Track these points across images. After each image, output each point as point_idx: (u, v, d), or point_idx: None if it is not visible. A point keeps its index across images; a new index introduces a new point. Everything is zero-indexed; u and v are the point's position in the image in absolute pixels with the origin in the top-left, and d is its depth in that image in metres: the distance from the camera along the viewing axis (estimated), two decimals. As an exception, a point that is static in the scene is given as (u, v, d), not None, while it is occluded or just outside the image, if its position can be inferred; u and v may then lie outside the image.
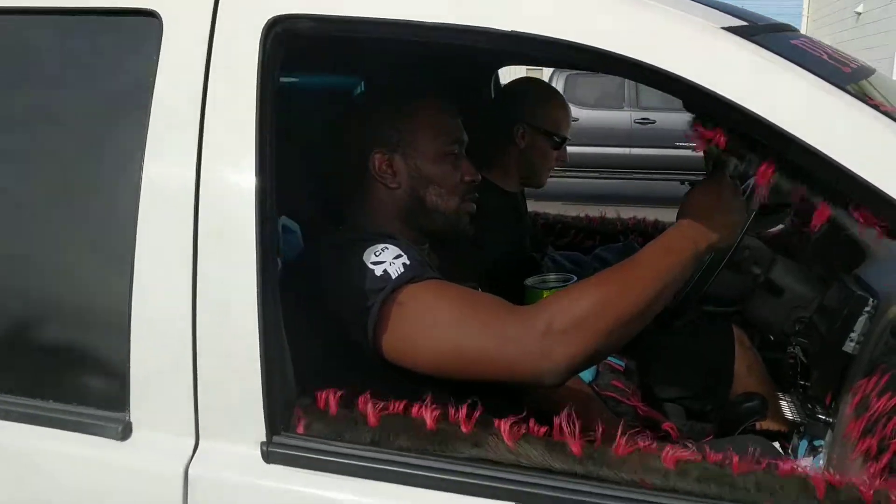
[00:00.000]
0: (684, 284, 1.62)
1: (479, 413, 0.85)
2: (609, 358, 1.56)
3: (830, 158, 0.79)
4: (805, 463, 1.36)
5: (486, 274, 1.55)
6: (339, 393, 0.87)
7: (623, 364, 1.58)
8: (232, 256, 0.86)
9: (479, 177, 1.18)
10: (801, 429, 1.42)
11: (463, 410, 0.84)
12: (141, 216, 0.88)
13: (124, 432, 0.88)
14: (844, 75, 0.91)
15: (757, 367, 1.71)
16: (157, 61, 0.90)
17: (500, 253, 1.62)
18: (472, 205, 1.17)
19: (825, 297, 1.44)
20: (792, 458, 1.44)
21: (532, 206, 2.13)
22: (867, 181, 0.78)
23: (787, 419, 1.50)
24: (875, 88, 0.96)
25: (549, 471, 0.79)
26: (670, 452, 0.78)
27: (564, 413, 1.26)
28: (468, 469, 0.80)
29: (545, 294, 1.35)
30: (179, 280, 0.87)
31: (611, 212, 2.28)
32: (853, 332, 1.26)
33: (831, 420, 1.29)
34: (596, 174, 8.21)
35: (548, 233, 2.21)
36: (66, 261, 0.96)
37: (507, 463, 0.80)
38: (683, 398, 1.72)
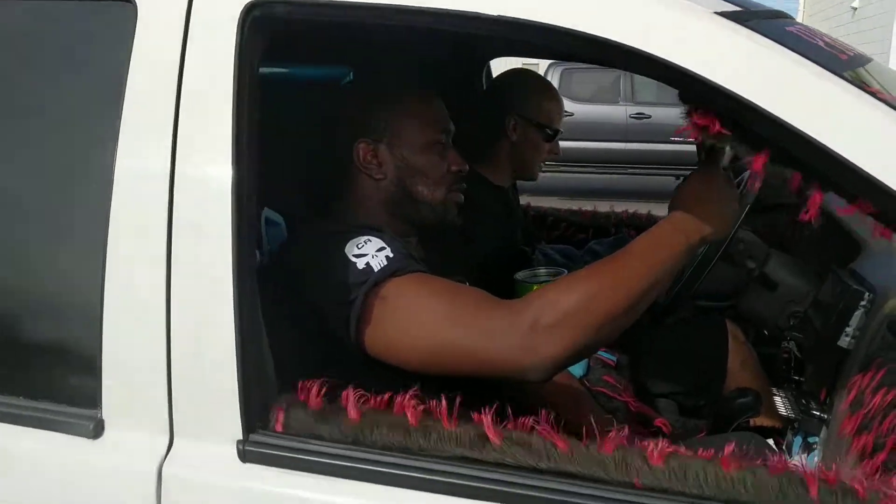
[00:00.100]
0: (677, 278, 1.60)
1: (464, 410, 0.82)
2: (600, 353, 1.54)
3: (827, 147, 0.76)
4: (799, 460, 1.35)
5: (477, 268, 1.52)
6: (319, 390, 0.84)
7: (615, 359, 1.56)
8: (207, 250, 0.83)
9: (467, 167, 1.15)
10: (796, 425, 1.40)
11: (447, 407, 0.81)
12: (114, 208, 0.85)
13: (96, 430, 0.85)
14: (841, 62, 0.89)
15: (751, 363, 1.70)
16: (131, 48, 0.87)
17: (490, 247, 1.60)
18: (459, 195, 1.15)
19: (820, 292, 1.42)
20: (786, 454, 1.43)
21: (526, 200, 2.11)
22: (866, 171, 0.75)
23: (781, 415, 1.48)
24: (872, 76, 0.93)
25: (535, 470, 0.77)
26: (660, 451, 0.75)
27: (553, 410, 1.25)
28: (452, 469, 0.77)
29: (535, 288, 1.32)
30: (153, 274, 0.84)
31: (604, 206, 2.26)
32: (849, 326, 1.24)
33: (826, 416, 1.27)
34: (591, 169, 8.19)
35: (540, 226, 2.18)
36: (36, 254, 0.93)
37: (493, 462, 0.77)
38: (676, 393, 1.70)
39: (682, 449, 1.00)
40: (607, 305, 0.88)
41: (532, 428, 0.80)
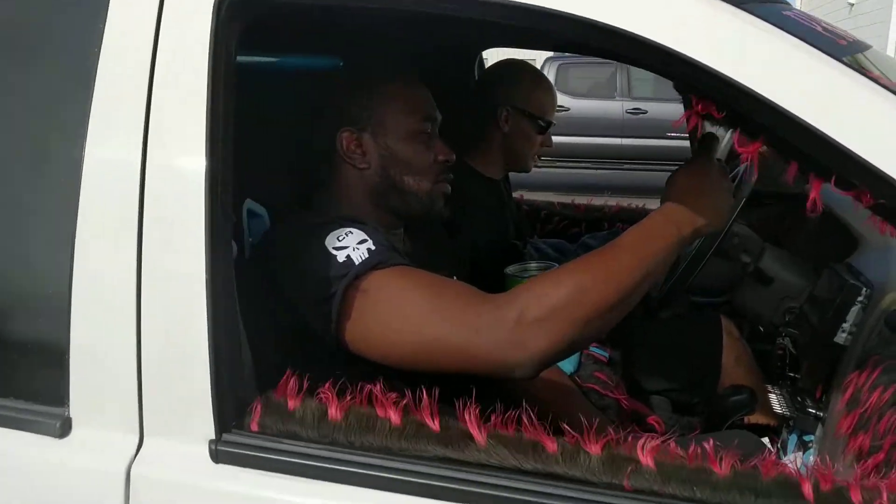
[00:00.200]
0: (671, 273, 1.58)
1: (449, 408, 0.79)
2: (592, 348, 1.51)
3: (826, 135, 0.73)
4: (794, 458, 1.32)
5: (466, 261, 1.49)
6: (298, 388, 0.81)
7: (607, 355, 1.53)
8: (179, 243, 0.80)
9: (454, 157, 1.11)
10: (791, 423, 1.37)
11: (429, 406, 0.77)
12: (83, 200, 0.82)
13: (63, 429, 0.82)
14: (840, 47, 0.85)
15: (745, 359, 1.67)
16: (103, 35, 0.84)
17: (481, 240, 1.57)
18: (446, 185, 1.11)
19: (816, 287, 1.39)
20: (781, 453, 1.40)
21: (519, 193, 2.07)
22: (867, 160, 0.72)
23: (776, 413, 1.45)
24: (872, 63, 0.90)
25: (521, 472, 0.73)
26: (650, 451, 0.72)
27: (542, 408, 1.22)
28: (434, 471, 0.74)
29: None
30: (123, 269, 0.80)
31: (600, 201, 2.23)
32: (845, 322, 1.22)
33: (821, 414, 1.25)
34: (587, 164, 8.17)
35: (533, 220, 2.15)
36: (1, 247, 0.89)
37: (477, 463, 0.74)
38: (670, 390, 1.67)
39: (673, 448, 0.97)
40: (597, 299, 0.85)
41: (518, 427, 0.77)
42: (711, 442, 0.74)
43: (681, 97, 0.92)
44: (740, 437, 1.18)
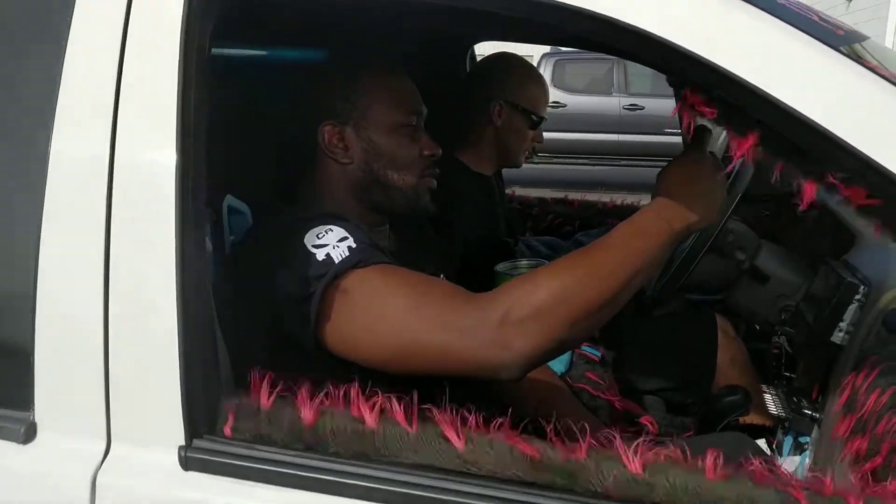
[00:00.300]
0: (664, 270, 1.55)
1: (428, 413, 0.76)
2: (584, 347, 1.48)
3: (823, 128, 0.70)
4: (790, 461, 1.29)
5: (456, 259, 1.46)
6: (273, 391, 0.78)
7: (599, 354, 1.49)
8: (149, 241, 0.76)
9: (440, 151, 1.08)
10: (786, 424, 1.35)
11: (408, 409, 0.74)
12: (48, 196, 0.79)
13: (27, 434, 0.79)
14: (837, 37, 0.82)
15: (741, 358, 1.64)
16: (70, 25, 0.81)
17: (471, 237, 1.54)
18: (432, 180, 1.08)
19: (813, 285, 1.36)
20: (776, 455, 1.37)
21: (512, 190, 2.04)
22: (866, 155, 0.69)
23: (771, 414, 1.43)
24: (870, 53, 0.86)
25: (500, 479, 0.70)
26: (639, 458, 0.68)
27: (531, 410, 1.19)
28: (412, 479, 0.71)
29: (515, 281, 1.26)
30: (90, 266, 0.77)
31: (593, 197, 2.20)
32: (842, 321, 1.19)
33: (818, 416, 1.22)
34: (584, 161, 8.14)
35: (525, 217, 2.12)
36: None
37: (456, 470, 0.71)
38: (663, 390, 1.64)
39: (663, 454, 0.94)
40: (584, 298, 0.82)
41: (499, 431, 0.74)
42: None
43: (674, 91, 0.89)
44: (734, 439, 1.15)
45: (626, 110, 8.11)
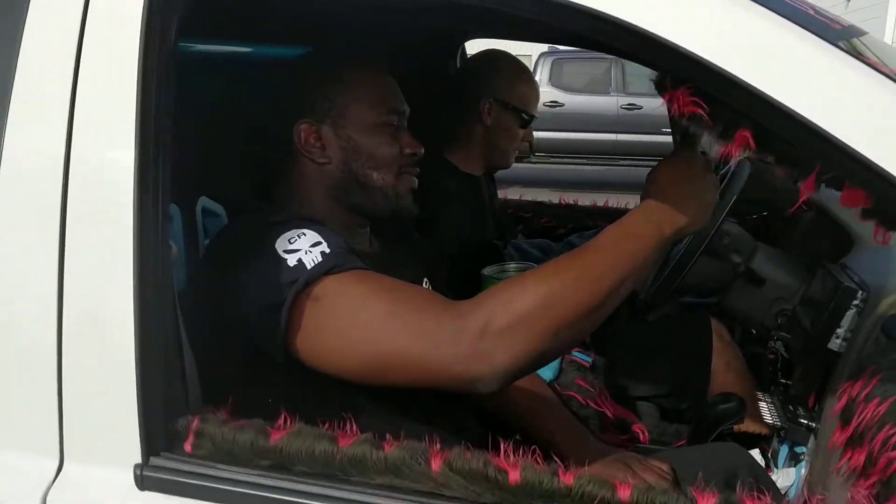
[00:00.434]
0: (659, 273, 1.51)
1: (411, 425, 0.72)
2: (574, 353, 1.44)
3: (819, 127, 0.66)
4: (785, 472, 1.26)
5: (442, 263, 1.42)
6: (240, 405, 0.74)
7: (590, 360, 1.45)
8: (105, 246, 0.73)
9: (422, 150, 1.04)
10: (782, 433, 1.31)
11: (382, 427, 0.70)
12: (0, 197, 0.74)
13: (-25, 452, 0.74)
14: (835, 31, 0.78)
15: (736, 363, 1.60)
16: (26, 15, 0.77)
17: (458, 240, 1.49)
18: (412, 179, 1.03)
19: (810, 289, 1.32)
20: (772, 464, 1.33)
21: (515, 192, 2.00)
22: (864, 156, 0.64)
23: (767, 422, 1.39)
24: (869, 48, 0.82)
25: None
26: (629, 486, 0.64)
27: (517, 421, 1.15)
28: (382, 501, 0.67)
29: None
30: (43, 273, 0.73)
31: (595, 198, 2.16)
32: (840, 327, 1.15)
33: (814, 425, 1.18)
34: (582, 160, 8.11)
35: (517, 219, 2.08)
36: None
37: (428, 493, 0.67)
38: (657, 396, 1.60)
39: (654, 478, 0.90)
40: (569, 306, 0.77)
41: (477, 451, 0.69)
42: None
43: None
44: (727, 450, 1.10)
45: (623, 110, 8.08)
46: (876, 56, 0.79)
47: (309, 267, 0.83)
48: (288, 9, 1.14)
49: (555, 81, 8.24)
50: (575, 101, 8.10)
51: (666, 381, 1.60)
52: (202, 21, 0.98)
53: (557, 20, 0.76)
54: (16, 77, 0.76)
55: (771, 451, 1.38)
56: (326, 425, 0.72)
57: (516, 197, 2.18)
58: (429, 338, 0.78)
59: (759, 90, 0.67)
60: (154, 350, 0.72)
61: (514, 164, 1.74)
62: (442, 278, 1.26)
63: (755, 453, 1.37)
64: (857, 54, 0.71)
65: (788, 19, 0.70)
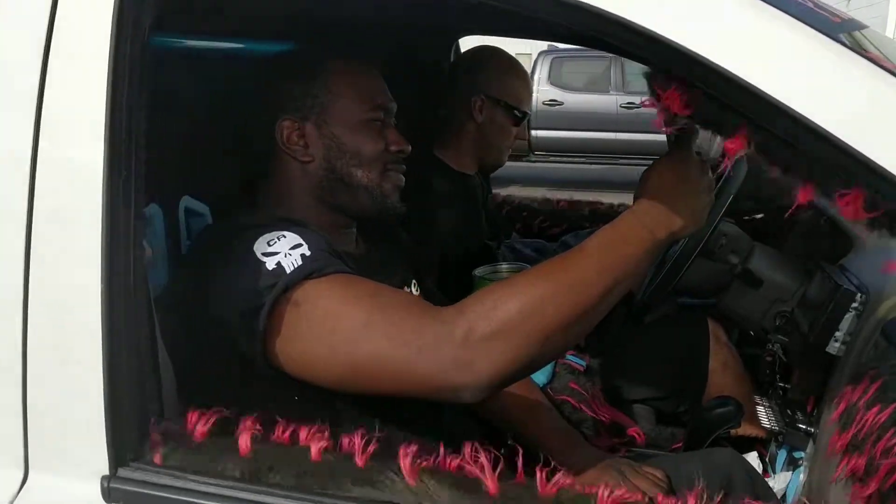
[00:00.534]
0: (655, 274, 1.48)
1: (382, 439, 0.69)
2: (568, 356, 1.41)
3: (818, 126, 0.63)
4: (783, 477, 1.23)
5: (433, 264, 1.39)
6: (213, 413, 0.71)
7: (584, 363, 1.42)
8: (73, 246, 0.69)
9: (409, 147, 1.01)
10: (780, 437, 1.28)
11: (357, 439, 0.67)
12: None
13: (-64, 462, 0.71)
14: (834, 25, 0.75)
15: (734, 365, 1.57)
16: None
17: (450, 240, 1.46)
18: (399, 176, 1.00)
19: (808, 290, 1.29)
20: (769, 469, 1.31)
21: (513, 191, 1.98)
22: (866, 157, 0.61)
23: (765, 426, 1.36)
24: (870, 41, 0.79)
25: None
26: (609, 496, 0.61)
27: (507, 427, 1.12)
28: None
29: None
30: (8, 275, 0.70)
31: (592, 197, 2.13)
32: (838, 331, 1.13)
33: (812, 430, 1.15)
34: (581, 159, 8.09)
35: (513, 218, 2.05)
36: None
37: (406, 505, 0.64)
38: (653, 398, 1.57)
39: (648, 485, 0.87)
40: (556, 312, 0.74)
41: (460, 461, 0.67)
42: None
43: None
44: (723, 456, 1.07)
45: (623, 108, 8.05)
46: (877, 49, 0.76)
47: (288, 271, 0.80)
48: (273, 2, 1.11)
49: (554, 80, 8.22)
50: (574, 100, 8.09)
51: (662, 384, 1.57)
52: (183, 14, 0.96)
53: (554, 16, 0.73)
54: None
55: (769, 455, 1.35)
56: (305, 433, 0.69)
57: (513, 195, 2.15)
58: (409, 346, 0.75)
59: (752, 85, 0.64)
60: (123, 356, 0.69)
61: (514, 163, 1.72)
62: (432, 280, 1.23)
63: (753, 457, 1.34)
64: (858, 49, 0.68)
65: (784, 11, 0.67)
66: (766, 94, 0.64)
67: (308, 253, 0.81)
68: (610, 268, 0.78)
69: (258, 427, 0.69)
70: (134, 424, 0.69)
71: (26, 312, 0.70)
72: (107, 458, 0.67)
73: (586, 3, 0.64)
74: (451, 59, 1.94)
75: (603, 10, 0.64)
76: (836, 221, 1.37)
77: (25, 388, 0.70)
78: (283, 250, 0.81)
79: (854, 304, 1.10)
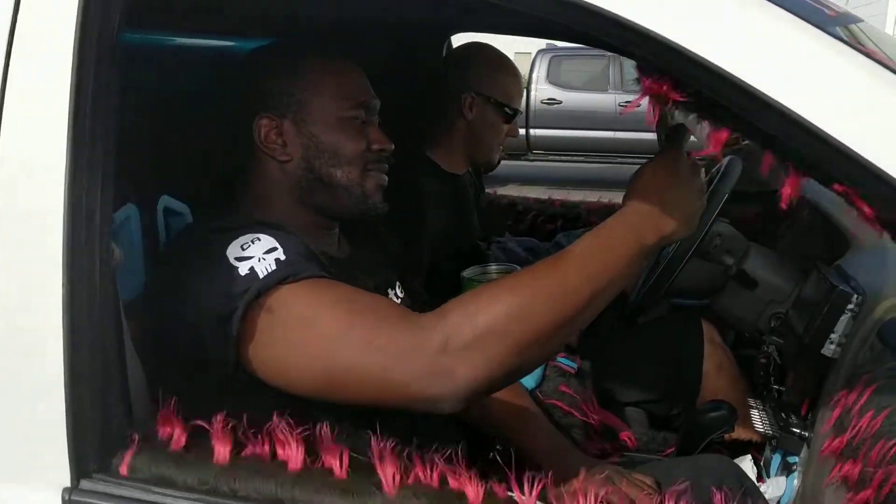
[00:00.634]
0: (649, 274, 1.45)
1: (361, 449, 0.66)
2: (559, 359, 1.38)
3: (810, 123, 0.60)
4: (777, 482, 1.21)
5: (421, 265, 1.36)
6: (184, 422, 0.68)
7: (575, 366, 1.39)
8: (33, 249, 0.67)
9: (391, 146, 0.98)
10: (774, 441, 1.25)
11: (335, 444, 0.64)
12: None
13: None
14: (829, 18, 0.72)
15: (728, 367, 1.55)
16: None
17: (438, 241, 1.43)
18: (381, 175, 0.97)
19: (803, 291, 1.27)
20: (763, 474, 1.28)
21: (510, 189, 1.95)
22: (859, 154, 0.59)
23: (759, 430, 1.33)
24: (866, 35, 0.77)
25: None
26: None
27: (495, 434, 1.09)
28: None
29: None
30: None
31: (592, 196, 2.11)
32: (834, 332, 1.10)
33: (807, 434, 1.13)
34: (579, 158, 8.07)
35: (505, 217, 2.02)
36: None
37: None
38: (646, 401, 1.55)
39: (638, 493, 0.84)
40: (538, 320, 0.72)
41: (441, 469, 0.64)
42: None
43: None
44: (716, 462, 1.05)
45: (621, 107, 8.02)
46: (874, 43, 0.74)
47: (262, 276, 0.77)
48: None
49: (552, 78, 8.20)
50: (573, 99, 8.07)
51: (655, 386, 1.55)
52: (157, 9, 0.93)
53: (552, 14, 0.70)
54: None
55: (763, 459, 1.33)
56: (280, 444, 0.67)
57: (506, 193, 2.13)
58: (386, 353, 0.73)
59: (742, 81, 0.62)
60: (86, 362, 0.66)
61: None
62: (419, 281, 1.20)
63: (747, 461, 1.32)
64: (853, 42, 0.65)
65: (776, 4, 0.64)
66: (757, 89, 0.61)
67: (282, 257, 0.79)
68: (596, 274, 0.75)
69: (232, 437, 0.66)
70: (98, 433, 0.66)
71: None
72: (69, 469, 0.65)
73: (586, 2, 0.62)
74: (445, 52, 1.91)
75: (602, 10, 0.62)
76: (832, 221, 1.35)
77: (-16, 396, 0.67)
78: (257, 254, 0.79)
79: (850, 306, 1.08)
